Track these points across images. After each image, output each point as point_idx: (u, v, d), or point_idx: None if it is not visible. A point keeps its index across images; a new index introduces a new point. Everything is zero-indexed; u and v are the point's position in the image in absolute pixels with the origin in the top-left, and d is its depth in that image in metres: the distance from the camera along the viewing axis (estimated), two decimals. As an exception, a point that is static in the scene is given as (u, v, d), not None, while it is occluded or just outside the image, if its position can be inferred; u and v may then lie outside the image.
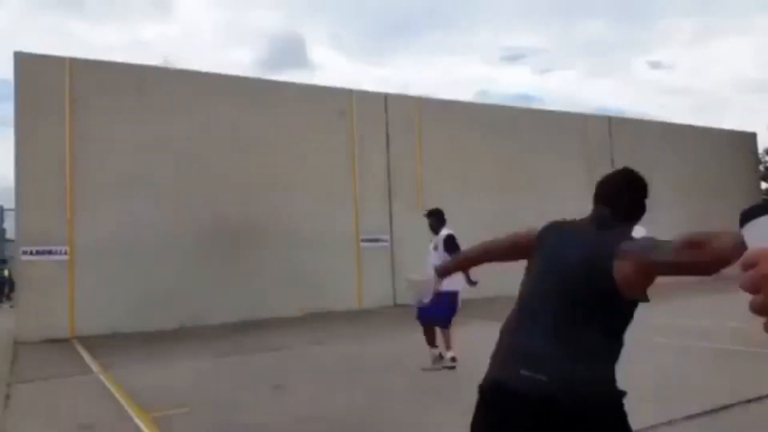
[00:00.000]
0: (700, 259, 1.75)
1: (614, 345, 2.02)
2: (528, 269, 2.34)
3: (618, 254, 1.98)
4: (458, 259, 3.13)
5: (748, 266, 0.79)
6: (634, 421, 1.82)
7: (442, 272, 2.90)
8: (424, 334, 6.69)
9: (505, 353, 2.10)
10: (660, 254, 1.88)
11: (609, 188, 2.39)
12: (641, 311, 2.00)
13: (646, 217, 2.33)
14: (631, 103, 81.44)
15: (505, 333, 2.18)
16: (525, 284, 2.29)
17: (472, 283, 4.96)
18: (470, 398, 2.03)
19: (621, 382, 1.90)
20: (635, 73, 77.27)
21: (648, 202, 2.36)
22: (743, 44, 68.23)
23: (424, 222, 6.99)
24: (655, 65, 79.53)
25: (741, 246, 1.01)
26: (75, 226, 11.24)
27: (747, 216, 0.87)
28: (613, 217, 2.30)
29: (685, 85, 74.49)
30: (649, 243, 1.96)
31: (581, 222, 2.40)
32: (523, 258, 2.41)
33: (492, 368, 2.10)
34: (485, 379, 2.09)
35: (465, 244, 17.11)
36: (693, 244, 1.77)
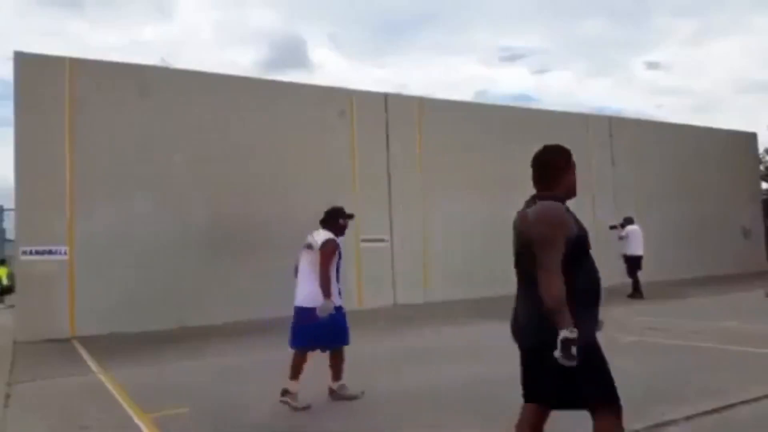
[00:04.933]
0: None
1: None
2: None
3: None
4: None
5: None
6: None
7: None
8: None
9: None
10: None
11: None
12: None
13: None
14: (629, 104, 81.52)
15: None
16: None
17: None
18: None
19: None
20: (633, 74, 77.29)
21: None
22: (742, 44, 68.23)
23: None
24: (653, 65, 79.55)
25: None
26: (75, 226, 11.24)
27: None
28: None
29: (684, 85, 74.56)
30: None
31: None
32: None
33: None
34: None
35: (464, 243, 17.10)
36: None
